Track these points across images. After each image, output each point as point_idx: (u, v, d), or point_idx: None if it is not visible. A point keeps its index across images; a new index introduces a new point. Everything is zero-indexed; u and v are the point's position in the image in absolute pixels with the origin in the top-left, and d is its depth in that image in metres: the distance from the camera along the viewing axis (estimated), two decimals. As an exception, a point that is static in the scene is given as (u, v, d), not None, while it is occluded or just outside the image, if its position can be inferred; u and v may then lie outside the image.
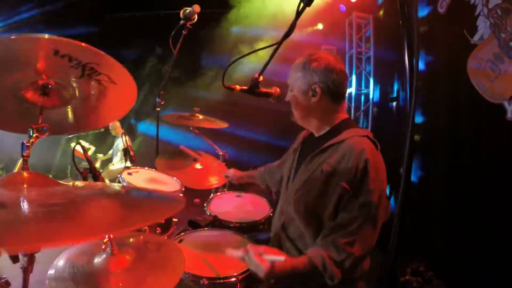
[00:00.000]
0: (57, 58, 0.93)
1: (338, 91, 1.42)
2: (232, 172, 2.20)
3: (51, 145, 5.84)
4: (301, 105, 1.44)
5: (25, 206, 0.74)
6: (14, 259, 0.88)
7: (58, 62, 0.95)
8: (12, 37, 0.87)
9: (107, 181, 3.60)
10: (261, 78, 1.34)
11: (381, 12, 4.42)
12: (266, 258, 1.17)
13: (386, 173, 1.33)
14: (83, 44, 0.92)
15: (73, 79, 1.04)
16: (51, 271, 1.04)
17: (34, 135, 0.98)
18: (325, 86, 1.39)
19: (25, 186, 0.84)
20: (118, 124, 5.46)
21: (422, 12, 3.16)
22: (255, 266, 1.18)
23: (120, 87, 1.10)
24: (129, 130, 6.37)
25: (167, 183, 2.18)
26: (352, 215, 1.26)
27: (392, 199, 3.33)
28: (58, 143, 6.01)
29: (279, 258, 1.17)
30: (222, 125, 2.51)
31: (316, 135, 1.52)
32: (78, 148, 1.32)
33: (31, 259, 0.88)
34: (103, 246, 1.10)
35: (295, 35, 1.18)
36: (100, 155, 5.66)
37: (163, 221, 1.98)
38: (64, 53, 0.92)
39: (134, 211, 0.85)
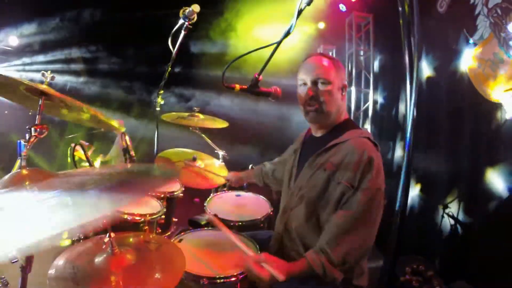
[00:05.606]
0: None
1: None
2: (231, 175, 2.21)
3: (50, 144, 5.82)
4: (335, 101, 1.45)
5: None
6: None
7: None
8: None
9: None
10: (260, 77, 1.34)
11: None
12: (266, 268, 1.18)
13: (384, 173, 1.35)
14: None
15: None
16: (51, 271, 1.03)
17: (32, 135, 0.97)
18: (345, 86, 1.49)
19: (27, 183, 0.84)
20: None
21: (422, 11, 3.16)
22: (255, 276, 1.19)
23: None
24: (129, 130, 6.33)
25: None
26: (351, 212, 1.28)
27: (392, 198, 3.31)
28: (57, 142, 5.99)
29: (278, 276, 1.16)
30: (222, 124, 2.51)
31: (318, 135, 1.52)
32: (78, 148, 1.32)
33: (29, 258, 0.87)
34: (104, 246, 1.10)
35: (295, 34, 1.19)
36: (100, 155, 5.63)
37: (163, 221, 1.98)
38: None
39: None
